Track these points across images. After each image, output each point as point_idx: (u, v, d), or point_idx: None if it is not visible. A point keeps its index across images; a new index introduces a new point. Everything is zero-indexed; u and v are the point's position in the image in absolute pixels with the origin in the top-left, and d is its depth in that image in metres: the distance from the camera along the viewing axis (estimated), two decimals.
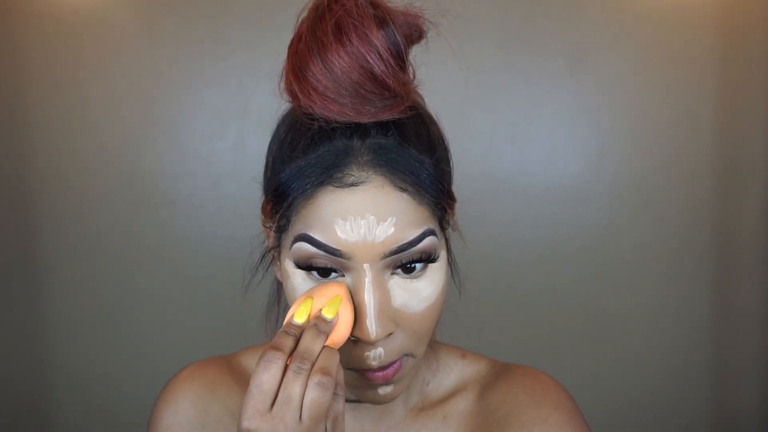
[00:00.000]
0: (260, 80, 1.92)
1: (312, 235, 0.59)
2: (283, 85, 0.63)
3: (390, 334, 0.60)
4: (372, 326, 0.59)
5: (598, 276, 1.99)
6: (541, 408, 0.69)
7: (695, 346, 2.00)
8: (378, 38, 0.58)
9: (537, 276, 1.99)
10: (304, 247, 0.59)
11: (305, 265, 0.60)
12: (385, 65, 0.59)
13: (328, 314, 0.58)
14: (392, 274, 0.60)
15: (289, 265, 0.62)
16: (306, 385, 0.54)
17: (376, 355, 0.60)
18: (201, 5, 1.94)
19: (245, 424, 0.54)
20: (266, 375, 0.54)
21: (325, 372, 0.55)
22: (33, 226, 1.97)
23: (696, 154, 1.94)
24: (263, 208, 0.65)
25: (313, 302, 0.59)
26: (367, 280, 0.59)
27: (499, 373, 0.74)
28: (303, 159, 0.60)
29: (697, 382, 2.01)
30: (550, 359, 1.88)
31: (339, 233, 0.58)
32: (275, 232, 0.64)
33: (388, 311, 0.60)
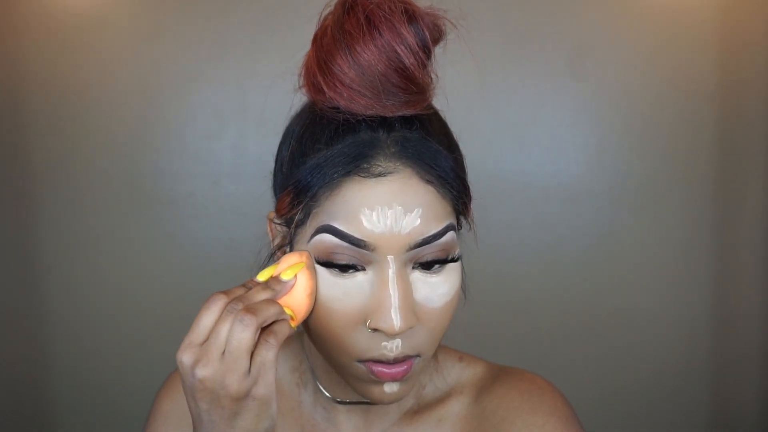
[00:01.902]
0: (260, 80, 1.93)
1: (336, 225, 0.58)
2: (303, 80, 0.63)
3: (410, 328, 0.60)
4: (396, 318, 0.58)
5: (598, 276, 1.99)
6: (537, 414, 0.69)
7: (695, 346, 2.00)
8: (408, 32, 0.59)
9: (537, 275, 1.99)
10: (327, 239, 0.59)
11: (325, 261, 0.60)
12: (415, 58, 0.59)
13: (284, 276, 0.59)
14: (413, 268, 0.60)
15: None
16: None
17: (393, 347, 0.60)
18: (201, 6, 1.94)
19: (177, 354, 0.56)
20: (205, 313, 0.56)
21: (249, 310, 0.55)
22: (33, 225, 1.97)
23: (696, 154, 1.94)
24: (279, 204, 0.64)
25: (278, 268, 0.60)
26: (391, 271, 0.58)
27: (496, 376, 0.73)
28: (327, 150, 0.59)
29: (697, 382, 2.01)
30: (550, 358, 1.88)
31: (365, 223, 0.58)
32: (288, 227, 0.64)
33: (411, 304, 0.59)
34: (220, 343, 0.55)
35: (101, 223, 1.98)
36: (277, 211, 0.64)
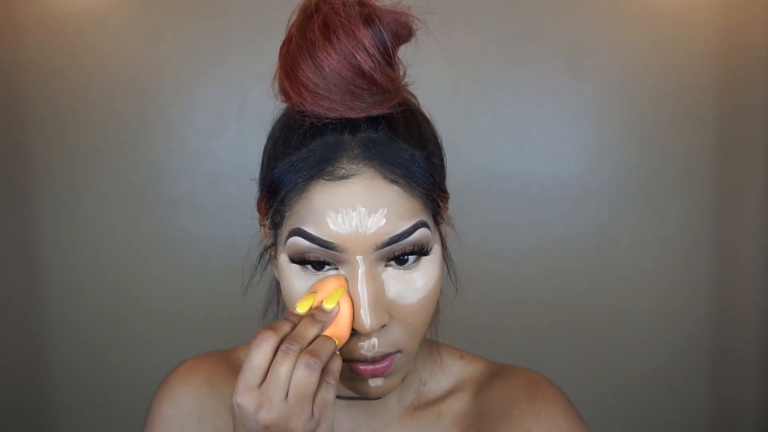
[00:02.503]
0: (260, 80, 1.92)
1: (305, 229, 0.60)
2: (276, 86, 0.64)
3: (384, 326, 0.61)
4: (366, 317, 0.59)
5: (598, 276, 1.99)
6: (535, 402, 0.70)
7: (694, 346, 2.00)
8: (365, 35, 0.60)
9: (537, 275, 1.99)
10: (298, 241, 0.60)
11: (299, 260, 0.61)
12: (372, 61, 0.60)
13: (327, 305, 0.59)
14: (386, 266, 0.61)
15: (284, 260, 0.63)
16: (294, 366, 0.56)
17: (369, 346, 0.61)
18: (200, 5, 1.94)
19: (236, 398, 0.56)
20: (257, 353, 0.56)
21: (313, 354, 0.56)
22: (33, 225, 1.97)
23: (696, 155, 1.94)
24: (258, 206, 0.66)
25: (316, 296, 0.60)
26: (360, 272, 0.60)
27: (495, 373, 0.74)
28: (295, 154, 0.61)
29: (697, 382, 2.01)
30: (549, 358, 1.88)
31: (331, 226, 0.59)
32: (271, 229, 0.65)
33: (382, 302, 0.61)
34: (282, 387, 0.55)
35: (101, 223, 1.98)
36: (258, 211, 0.67)
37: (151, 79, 1.95)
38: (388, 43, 0.61)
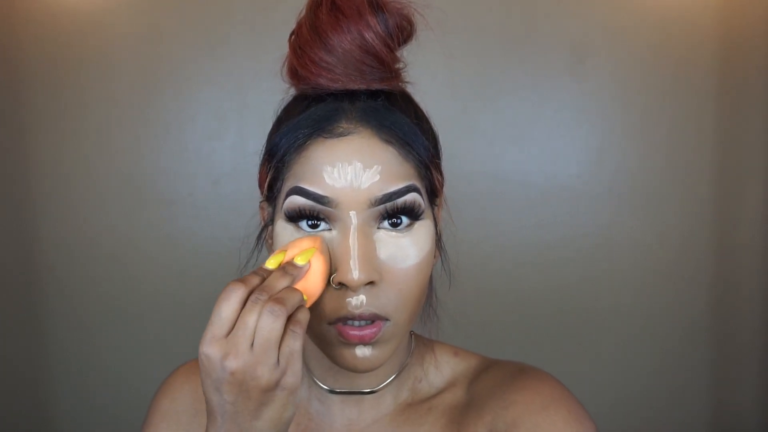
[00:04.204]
0: (260, 80, 1.93)
1: (303, 186, 0.62)
2: (285, 70, 0.67)
3: (373, 284, 0.62)
4: (355, 269, 0.60)
5: (598, 276, 1.99)
6: (518, 379, 0.70)
7: (694, 346, 2.00)
8: (372, 18, 0.63)
9: (537, 275, 1.99)
10: (295, 199, 0.63)
11: (295, 218, 0.63)
12: (379, 40, 0.63)
13: (299, 261, 0.61)
14: (379, 228, 0.63)
15: (280, 226, 0.65)
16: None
17: (358, 302, 0.62)
18: (201, 5, 1.94)
19: (203, 348, 0.56)
20: (225, 304, 0.57)
21: (278, 301, 0.56)
22: (33, 226, 1.97)
23: (696, 154, 1.94)
24: (259, 176, 0.68)
25: (287, 253, 0.61)
26: (352, 226, 0.62)
27: (487, 367, 0.75)
28: (296, 118, 0.64)
29: (696, 382, 2.01)
30: (549, 358, 1.88)
31: (327, 179, 0.61)
32: (268, 201, 0.67)
33: (372, 259, 0.62)
34: (248, 335, 0.55)
35: (101, 223, 1.98)
36: (259, 184, 0.68)
37: (152, 79, 1.95)
38: (393, 31, 0.64)
